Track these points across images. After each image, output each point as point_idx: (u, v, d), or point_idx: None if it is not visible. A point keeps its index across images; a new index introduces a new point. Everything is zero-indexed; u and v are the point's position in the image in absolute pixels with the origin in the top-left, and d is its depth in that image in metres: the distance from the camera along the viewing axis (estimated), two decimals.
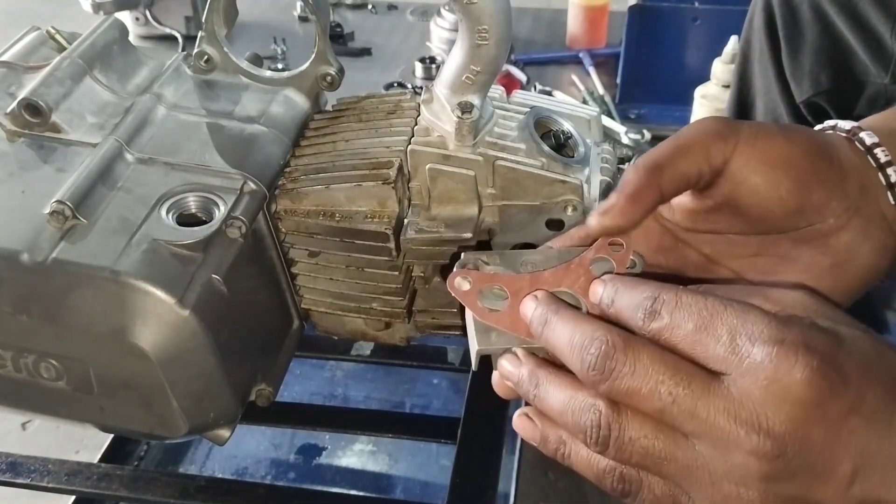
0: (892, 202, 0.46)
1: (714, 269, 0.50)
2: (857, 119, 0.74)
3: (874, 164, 0.46)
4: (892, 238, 0.47)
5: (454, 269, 0.45)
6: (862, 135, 0.47)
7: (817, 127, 0.49)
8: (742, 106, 1.01)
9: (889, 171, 0.46)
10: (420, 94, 0.60)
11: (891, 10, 0.79)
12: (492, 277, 0.44)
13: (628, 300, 0.39)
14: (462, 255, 0.46)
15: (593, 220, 0.46)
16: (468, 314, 0.44)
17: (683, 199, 0.48)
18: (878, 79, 0.83)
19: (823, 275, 0.46)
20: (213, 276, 0.53)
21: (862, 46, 0.83)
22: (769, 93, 0.95)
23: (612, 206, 0.45)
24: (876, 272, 0.47)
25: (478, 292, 0.43)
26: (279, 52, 1.62)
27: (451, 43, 0.56)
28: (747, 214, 0.46)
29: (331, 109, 0.67)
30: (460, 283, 0.43)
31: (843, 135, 0.48)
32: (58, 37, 0.67)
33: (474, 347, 0.44)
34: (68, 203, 0.52)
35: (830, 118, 0.88)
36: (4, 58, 0.64)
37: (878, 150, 0.46)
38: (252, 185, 0.57)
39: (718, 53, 1.23)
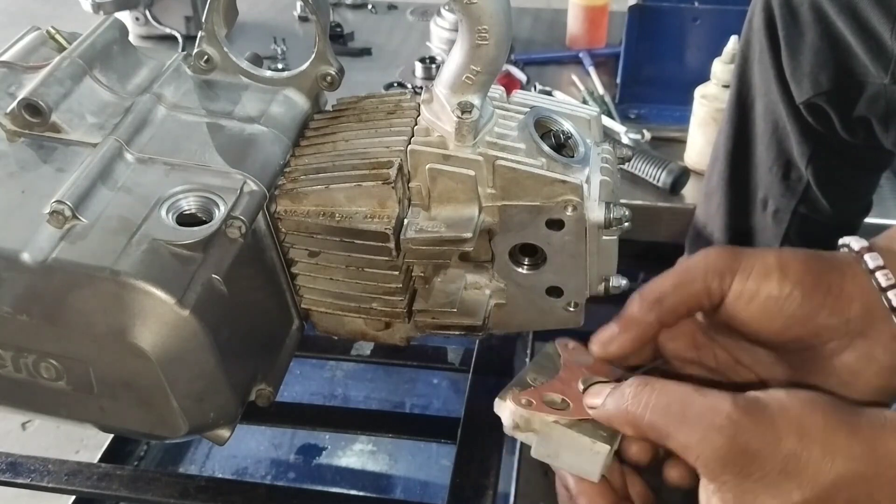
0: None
1: (739, 371, 0.54)
2: (857, 120, 0.75)
3: (874, 285, 0.47)
4: None
5: (505, 403, 0.50)
6: (866, 257, 0.48)
7: (840, 241, 0.50)
8: (742, 106, 1.01)
9: (890, 294, 0.46)
10: (420, 94, 0.60)
11: (891, 11, 0.79)
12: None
13: None
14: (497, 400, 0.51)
15: (595, 348, 0.51)
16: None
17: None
18: (878, 79, 0.83)
19: (833, 391, 0.47)
20: (213, 276, 0.53)
21: (862, 47, 0.83)
22: (769, 93, 0.95)
23: (610, 336, 0.50)
24: (886, 393, 0.47)
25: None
26: (279, 52, 1.62)
27: (451, 43, 0.56)
28: (749, 338, 0.49)
29: (331, 109, 0.67)
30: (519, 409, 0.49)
31: (854, 255, 0.49)
32: (58, 37, 0.67)
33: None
34: (68, 203, 0.52)
35: (830, 118, 0.89)
36: (4, 58, 0.64)
37: (879, 273, 0.47)
38: (252, 185, 0.57)
39: (718, 53, 1.22)
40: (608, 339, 0.50)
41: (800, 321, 0.47)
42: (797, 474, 0.39)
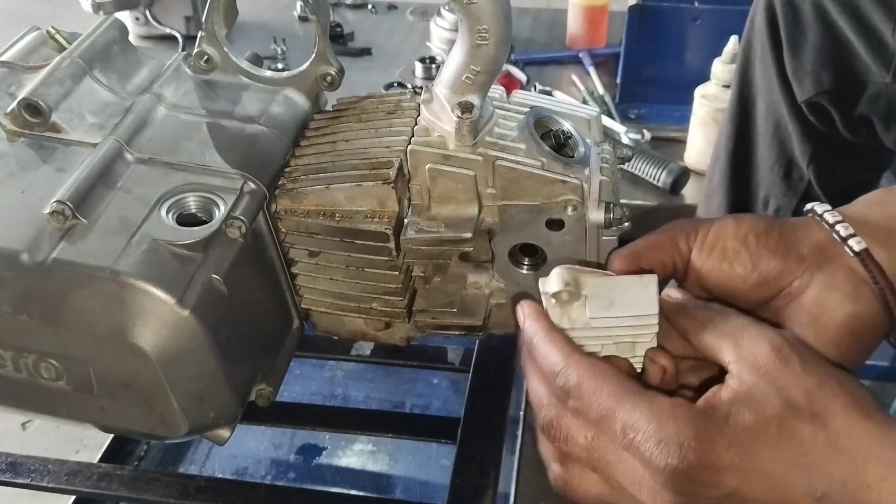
0: (851, 253, 0.50)
1: None
2: (858, 119, 0.76)
3: (826, 226, 0.52)
4: (863, 285, 0.50)
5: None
6: (814, 206, 0.53)
7: (808, 206, 0.55)
8: (743, 106, 1.01)
9: (839, 227, 0.51)
10: (420, 94, 0.60)
11: (892, 10, 0.79)
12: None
13: (541, 359, 0.48)
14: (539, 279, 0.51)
15: None
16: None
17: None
18: (879, 78, 0.83)
19: (806, 333, 0.50)
20: (213, 276, 0.53)
21: (863, 46, 0.83)
22: (770, 93, 0.95)
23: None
24: (857, 319, 0.50)
25: None
26: (279, 52, 1.62)
27: (451, 43, 0.56)
28: (722, 295, 0.53)
29: (331, 109, 0.67)
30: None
31: (809, 212, 0.54)
32: (58, 37, 0.67)
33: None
34: (68, 203, 0.52)
35: (832, 117, 0.90)
36: (4, 58, 0.64)
37: (826, 214, 0.52)
38: (252, 185, 0.57)
39: (718, 53, 1.22)
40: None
41: (759, 263, 0.51)
42: (820, 402, 0.43)
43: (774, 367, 0.44)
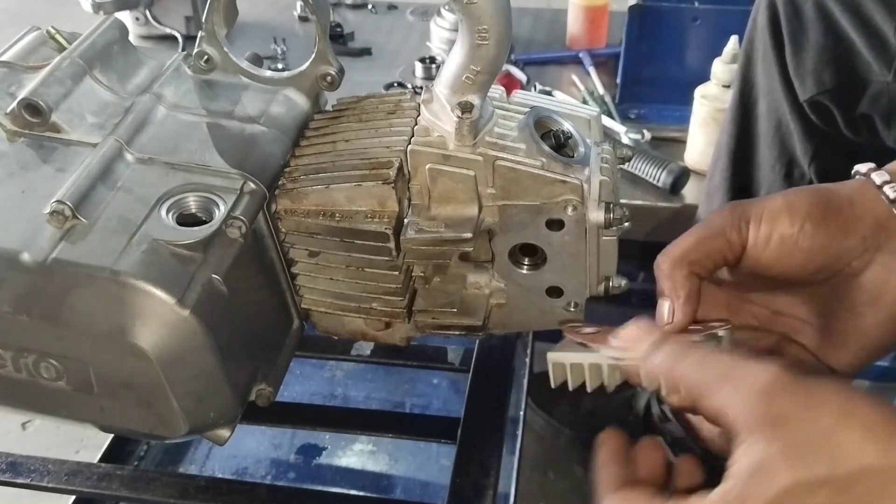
0: None
1: (781, 320, 0.56)
2: (860, 118, 0.77)
3: (886, 201, 0.50)
4: None
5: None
6: (873, 175, 0.51)
7: (854, 170, 0.53)
8: (744, 106, 1.01)
9: None
10: (420, 94, 0.60)
11: (894, 9, 0.79)
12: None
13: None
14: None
15: (666, 328, 0.51)
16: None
17: (723, 274, 0.54)
18: (880, 77, 0.83)
19: (864, 310, 0.50)
20: (213, 276, 0.53)
21: (865, 45, 0.83)
22: (772, 92, 0.95)
23: (668, 310, 0.52)
24: None
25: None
26: (279, 52, 1.62)
27: (451, 43, 0.56)
28: (777, 280, 0.51)
29: (331, 109, 0.67)
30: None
31: (861, 177, 0.52)
32: (58, 37, 0.67)
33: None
34: (68, 203, 0.52)
35: (833, 117, 0.90)
36: (4, 58, 0.64)
37: (887, 188, 0.50)
38: (252, 185, 0.57)
39: (718, 53, 1.22)
40: (667, 312, 0.52)
41: (818, 251, 0.50)
42: (828, 451, 0.39)
43: (778, 422, 0.40)
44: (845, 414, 0.39)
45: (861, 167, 0.52)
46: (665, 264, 0.52)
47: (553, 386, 0.55)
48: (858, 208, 0.50)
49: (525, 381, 0.86)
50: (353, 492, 1.13)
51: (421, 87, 1.47)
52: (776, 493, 0.39)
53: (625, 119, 1.43)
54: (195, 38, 0.66)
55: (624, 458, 0.50)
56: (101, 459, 0.87)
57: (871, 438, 0.38)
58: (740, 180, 1.04)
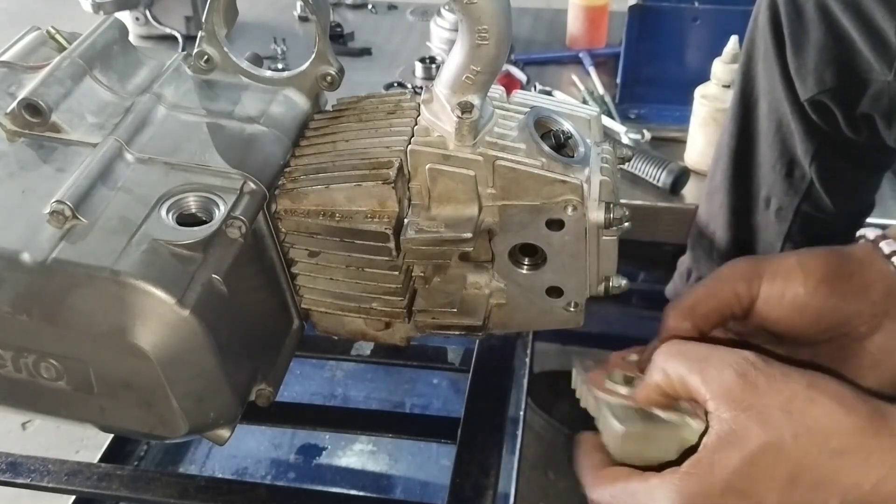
0: None
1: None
2: (861, 117, 0.77)
3: (892, 270, 0.51)
4: None
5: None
6: (882, 244, 0.52)
7: (858, 233, 0.55)
8: (745, 105, 1.01)
9: None
10: (420, 94, 0.60)
11: (895, 8, 0.79)
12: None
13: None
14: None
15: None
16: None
17: (729, 325, 0.55)
18: (881, 76, 0.83)
19: (866, 374, 0.51)
20: (213, 276, 0.53)
21: (866, 44, 0.83)
22: (773, 91, 0.95)
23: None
24: None
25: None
26: (279, 52, 1.62)
27: (451, 43, 0.56)
28: (783, 337, 0.52)
29: (331, 109, 0.67)
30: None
31: (870, 244, 0.53)
32: (58, 37, 0.67)
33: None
34: (68, 203, 0.52)
35: (834, 116, 0.90)
36: (4, 58, 0.64)
37: (895, 258, 0.51)
38: (252, 185, 0.57)
39: (718, 53, 1.22)
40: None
41: (828, 312, 0.51)
42: (796, 414, 0.42)
43: (746, 394, 0.43)
44: (811, 386, 0.43)
45: (868, 233, 0.53)
46: (670, 317, 0.53)
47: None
48: (869, 274, 0.51)
49: (525, 381, 0.86)
50: (353, 492, 1.13)
51: (421, 87, 1.47)
52: (747, 454, 0.42)
53: (625, 119, 1.43)
54: (195, 38, 0.66)
55: (603, 449, 0.52)
56: (101, 459, 0.87)
57: (836, 403, 0.42)
58: (741, 180, 1.04)
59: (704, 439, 0.44)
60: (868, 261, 0.52)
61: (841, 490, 0.41)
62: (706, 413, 0.45)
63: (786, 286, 0.51)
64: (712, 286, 0.53)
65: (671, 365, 0.47)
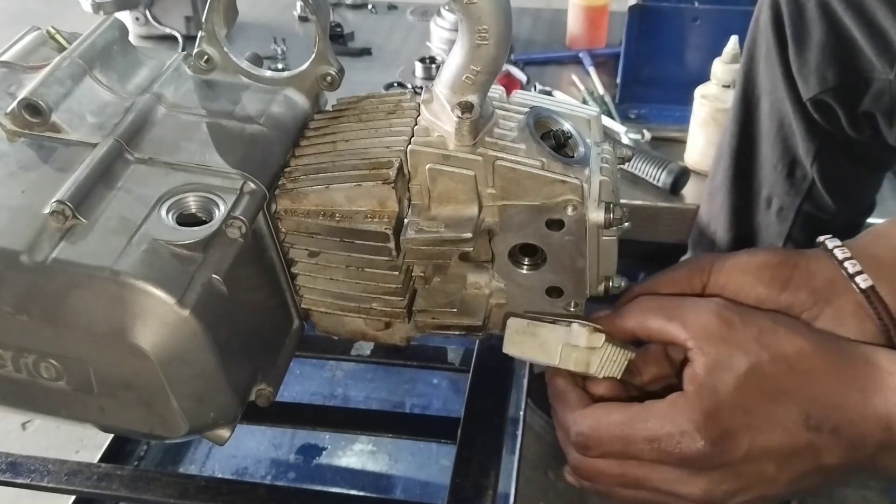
0: (858, 290, 0.54)
1: None
2: (863, 116, 0.79)
3: (834, 262, 0.55)
4: (868, 321, 0.54)
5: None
6: (825, 240, 0.57)
7: (819, 238, 0.59)
8: (747, 104, 1.01)
9: (847, 264, 0.54)
10: (420, 94, 0.60)
11: None
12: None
13: (562, 427, 0.55)
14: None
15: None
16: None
17: None
18: (882, 75, 0.84)
19: None
20: (213, 276, 0.53)
21: (868, 43, 0.83)
22: (775, 91, 0.95)
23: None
24: None
25: None
26: (279, 52, 1.62)
27: (451, 43, 0.56)
28: None
29: (331, 109, 0.67)
30: None
31: (821, 245, 0.58)
32: (58, 37, 0.67)
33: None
34: (68, 203, 0.52)
35: (836, 115, 0.91)
36: (4, 58, 0.64)
37: (836, 250, 0.56)
38: (252, 185, 0.57)
39: (718, 53, 1.22)
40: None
41: (770, 301, 0.55)
42: (770, 342, 0.49)
43: (724, 331, 0.49)
44: (775, 321, 0.51)
45: (822, 238, 0.57)
46: (636, 292, 0.58)
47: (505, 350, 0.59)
48: (813, 266, 0.55)
49: (525, 381, 0.86)
50: (353, 492, 1.13)
51: (421, 87, 1.47)
52: (741, 375, 0.48)
53: (625, 119, 1.43)
54: (195, 38, 0.65)
55: (579, 385, 0.57)
56: (101, 459, 0.87)
57: (794, 333, 0.50)
58: (742, 180, 1.04)
59: (691, 370, 0.49)
60: (815, 255, 0.56)
61: (810, 403, 0.48)
62: (686, 354, 0.51)
63: (731, 275, 0.55)
64: (673, 273, 0.58)
65: (650, 315, 0.53)
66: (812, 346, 0.49)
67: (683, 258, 1.15)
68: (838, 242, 0.56)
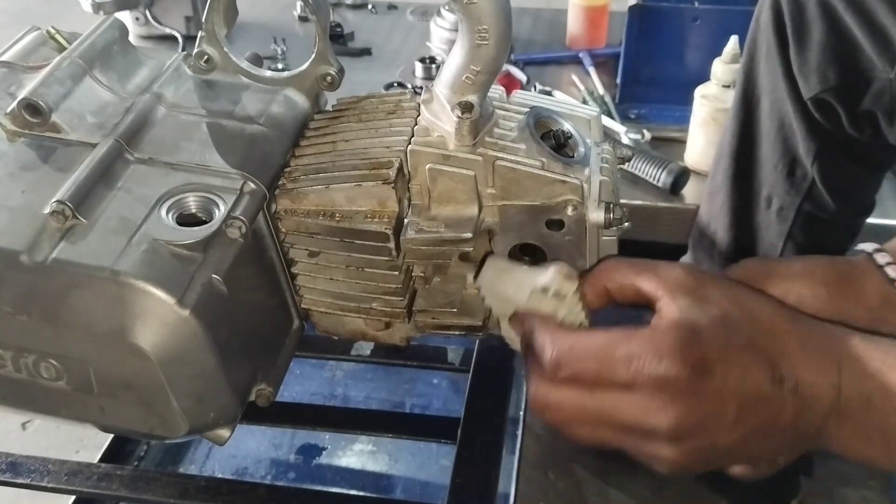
0: None
1: None
2: (863, 115, 0.79)
3: (887, 280, 0.56)
4: None
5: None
6: (876, 255, 0.57)
7: (858, 247, 0.60)
8: (747, 104, 1.01)
9: None
10: (420, 94, 0.60)
11: None
12: None
13: (537, 347, 0.52)
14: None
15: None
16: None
17: None
18: (883, 74, 0.83)
19: None
20: (213, 276, 0.53)
21: (869, 41, 0.83)
22: (775, 90, 0.95)
23: None
24: None
25: None
26: (279, 52, 1.62)
27: (451, 43, 0.56)
28: None
29: (331, 109, 0.67)
30: None
31: (866, 255, 0.58)
32: (58, 37, 0.67)
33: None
34: (68, 203, 0.52)
35: (837, 114, 0.91)
36: (4, 58, 0.64)
37: (889, 268, 0.56)
38: (252, 185, 0.57)
39: (718, 53, 1.22)
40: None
41: (828, 314, 0.54)
42: (734, 300, 0.50)
43: (695, 284, 0.50)
44: (739, 285, 0.52)
45: (866, 246, 0.58)
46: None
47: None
48: (867, 283, 0.56)
49: (525, 381, 0.86)
50: (353, 492, 1.13)
51: (421, 87, 1.47)
52: (714, 318, 0.48)
53: (625, 119, 1.43)
54: (195, 38, 0.66)
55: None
56: (101, 459, 0.87)
57: (768, 300, 0.52)
58: (742, 179, 1.04)
59: (664, 311, 0.49)
60: (866, 270, 0.57)
61: (771, 356, 0.48)
62: (656, 306, 0.51)
63: (791, 287, 0.56)
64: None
65: (621, 270, 0.53)
66: (779, 312, 0.51)
67: (683, 258, 1.15)
68: (889, 258, 0.57)
